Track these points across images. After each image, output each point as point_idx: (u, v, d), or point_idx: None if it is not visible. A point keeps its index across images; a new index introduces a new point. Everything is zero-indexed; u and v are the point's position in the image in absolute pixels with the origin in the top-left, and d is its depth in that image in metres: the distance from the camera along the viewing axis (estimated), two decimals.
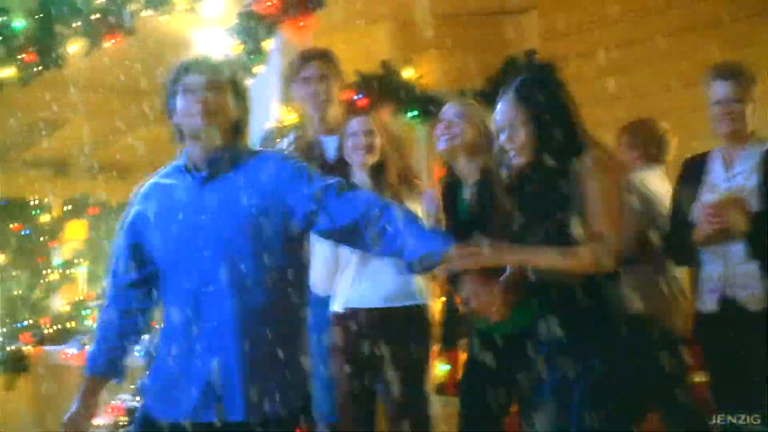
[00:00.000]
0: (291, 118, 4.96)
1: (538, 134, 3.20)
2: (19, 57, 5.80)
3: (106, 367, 3.36)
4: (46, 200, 8.34)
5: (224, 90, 3.20)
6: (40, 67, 5.85)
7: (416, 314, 4.12)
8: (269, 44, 5.23)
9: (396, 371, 4.02)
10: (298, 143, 4.51)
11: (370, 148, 4.16)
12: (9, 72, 5.88)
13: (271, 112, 5.02)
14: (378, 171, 4.18)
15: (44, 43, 5.71)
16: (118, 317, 3.36)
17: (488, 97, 5.84)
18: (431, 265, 3.08)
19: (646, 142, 4.71)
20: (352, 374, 4.12)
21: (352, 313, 4.12)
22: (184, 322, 3.16)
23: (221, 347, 3.09)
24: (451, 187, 4.04)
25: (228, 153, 3.22)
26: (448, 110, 4.03)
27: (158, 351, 3.29)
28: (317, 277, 4.09)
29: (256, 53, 5.18)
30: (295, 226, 3.15)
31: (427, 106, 5.96)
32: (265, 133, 4.84)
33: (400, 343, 4.05)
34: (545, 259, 3.12)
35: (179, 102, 3.20)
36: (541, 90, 3.25)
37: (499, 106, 3.29)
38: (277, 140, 4.56)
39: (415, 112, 6.04)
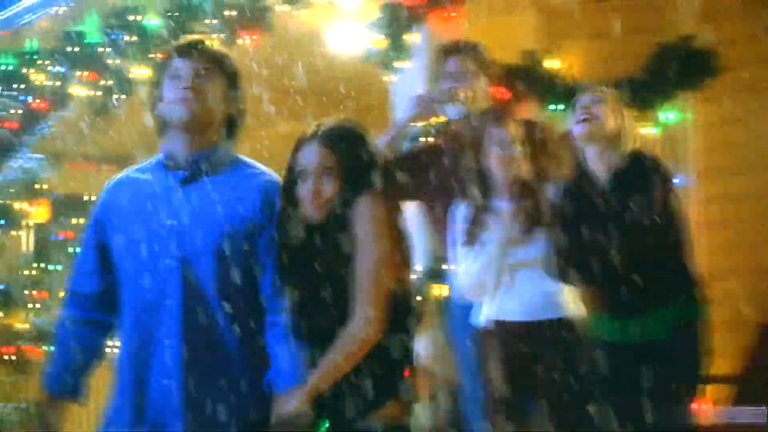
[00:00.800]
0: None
1: (343, 188, 2.91)
2: (153, 56, 5.66)
3: (66, 387, 3.03)
4: None
5: (216, 79, 2.89)
6: None
7: (563, 328, 3.86)
8: (414, 38, 5.01)
9: (545, 388, 3.81)
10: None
11: (515, 159, 3.92)
12: (143, 71, 5.79)
13: None
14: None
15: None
16: (77, 331, 3.01)
17: (641, 87, 5.64)
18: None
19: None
20: (500, 390, 3.89)
21: (496, 328, 3.91)
22: (140, 337, 2.88)
23: (170, 370, 2.83)
24: (580, 181, 3.89)
25: (214, 154, 2.94)
26: (586, 97, 3.95)
27: (117, 371, 2.98)
28: (468, 285, 3.93)
29: (400, 48, 4.96)
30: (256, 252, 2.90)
31: (573, 98, 5.66)
32: (411, 134, 4.51)
33: (548, 359, 3.83)
34: (333, 370, 2.83)
35: (164, 89, 2.89)
36: (353, 141, 2.97)
37: (309, 148, 2.96)
38: (424, 138, 4.32)
39: (561, 106, 5.69)
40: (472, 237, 3.94)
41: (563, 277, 3.82)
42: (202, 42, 2.97)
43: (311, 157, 2.93)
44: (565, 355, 3.84)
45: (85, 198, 7.26)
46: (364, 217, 2.85)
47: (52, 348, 3.10)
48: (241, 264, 2.88)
